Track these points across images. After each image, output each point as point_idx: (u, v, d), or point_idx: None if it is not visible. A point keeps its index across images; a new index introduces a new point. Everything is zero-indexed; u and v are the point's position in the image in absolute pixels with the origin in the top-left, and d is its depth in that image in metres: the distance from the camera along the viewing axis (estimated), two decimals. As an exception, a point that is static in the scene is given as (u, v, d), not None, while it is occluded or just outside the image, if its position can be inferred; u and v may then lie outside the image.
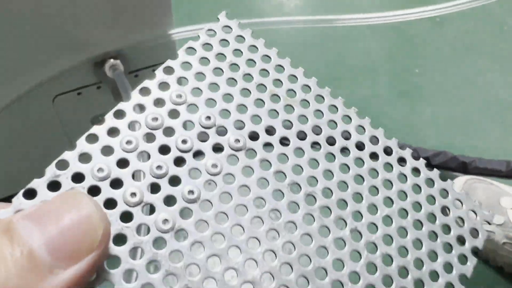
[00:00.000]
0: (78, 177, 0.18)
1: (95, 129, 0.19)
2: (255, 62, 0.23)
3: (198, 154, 0.20)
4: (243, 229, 0.19)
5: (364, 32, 0.85)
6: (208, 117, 0.21)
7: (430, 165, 0.71)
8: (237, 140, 0.20)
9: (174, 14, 0.44)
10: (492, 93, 0.79)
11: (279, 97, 0.22)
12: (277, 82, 0.23)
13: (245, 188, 0.20)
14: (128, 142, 0.19)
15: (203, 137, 0.20)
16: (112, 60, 0.44)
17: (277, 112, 0.22)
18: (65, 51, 0.43)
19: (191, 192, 0.19)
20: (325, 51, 0.82)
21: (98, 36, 0.43)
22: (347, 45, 0.83)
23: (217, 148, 0.20)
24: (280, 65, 0.23)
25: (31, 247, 0.14)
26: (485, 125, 0.75)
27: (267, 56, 0.23)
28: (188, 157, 0.20)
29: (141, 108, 0.20)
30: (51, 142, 0.51)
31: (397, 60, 0.83)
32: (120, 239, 0.17)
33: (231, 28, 0.23)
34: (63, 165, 0.18)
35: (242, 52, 0.23)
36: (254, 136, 0.21)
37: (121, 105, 0.19)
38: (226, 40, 0.23)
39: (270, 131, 0.21)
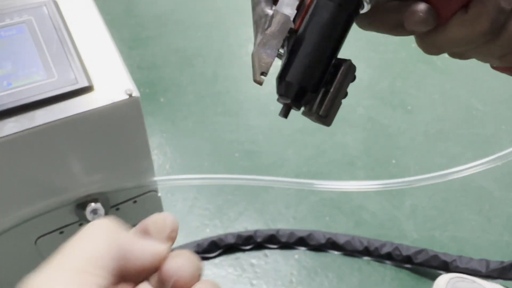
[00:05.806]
0: None
1: None
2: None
3: None
4: None
5: (341, 125, 0.89)
6: None
7: (412, 263, 0.72)
8: None
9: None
10: (467, 181, 0.82)
11: None
12: None
13: None
14: None
15: None
16: (93, 204, 0.45)
17: None
18: (47, 195, 0.45)
19: None
20: (304, 146, 0.85)
21: (80, 182, 0.45)
22: (325, 138, 0.87)
23: None
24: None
25: None
26: (463, 214, 0.77)
27: None
28: None
29: None
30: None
31: (374, 152, 0.86)
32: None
33: None
34: None
35: None
36: None
37: None
38: None
39: None
